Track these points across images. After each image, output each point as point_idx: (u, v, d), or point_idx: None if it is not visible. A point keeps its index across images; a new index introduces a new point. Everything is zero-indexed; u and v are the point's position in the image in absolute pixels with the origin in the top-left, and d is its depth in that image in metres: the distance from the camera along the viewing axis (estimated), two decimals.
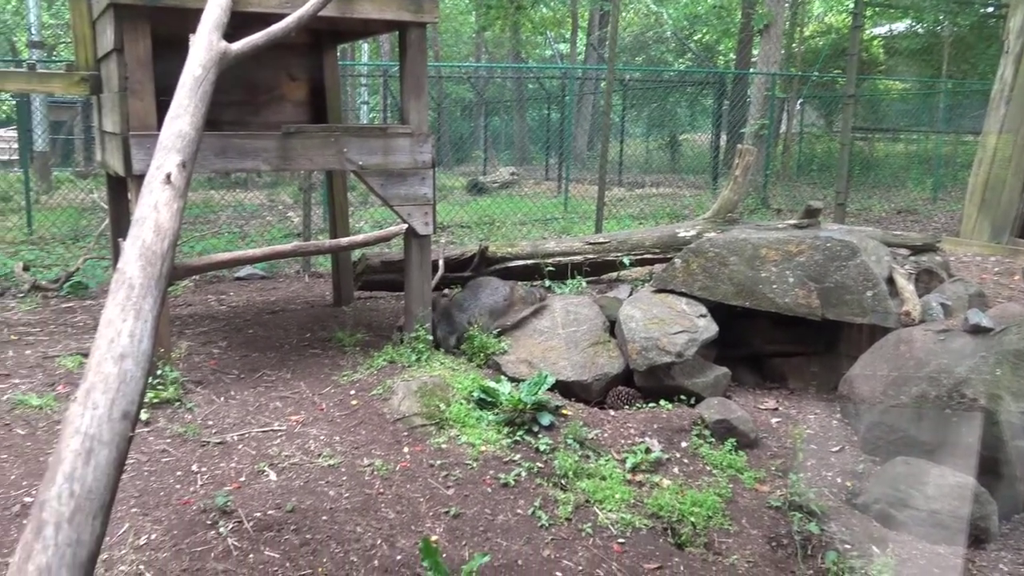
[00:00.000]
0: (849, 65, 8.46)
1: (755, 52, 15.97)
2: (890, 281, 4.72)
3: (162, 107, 3.26)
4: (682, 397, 4.46)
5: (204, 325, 5.58)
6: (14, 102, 11.46)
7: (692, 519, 3.39)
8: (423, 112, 4.73)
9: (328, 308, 6.19)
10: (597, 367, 4.66)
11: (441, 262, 5.97)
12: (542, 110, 21.30)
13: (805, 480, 3.72)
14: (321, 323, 5.63)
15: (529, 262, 6.35)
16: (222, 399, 4.16)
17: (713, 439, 4.04)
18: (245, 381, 4.44)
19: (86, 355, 3.89)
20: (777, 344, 5.00)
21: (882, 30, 22.28)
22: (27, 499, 3.15)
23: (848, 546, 3.30)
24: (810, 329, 4.82)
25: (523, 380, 4.41)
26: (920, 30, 19.98)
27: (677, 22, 24.47)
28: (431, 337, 4.84)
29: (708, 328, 4.67)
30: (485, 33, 22.55)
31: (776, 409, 4.58)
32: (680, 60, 27.47)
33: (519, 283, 5.55)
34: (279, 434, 3.79)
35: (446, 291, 5.66)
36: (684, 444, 4.01)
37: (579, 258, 6.36)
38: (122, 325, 2.13)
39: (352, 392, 4.27)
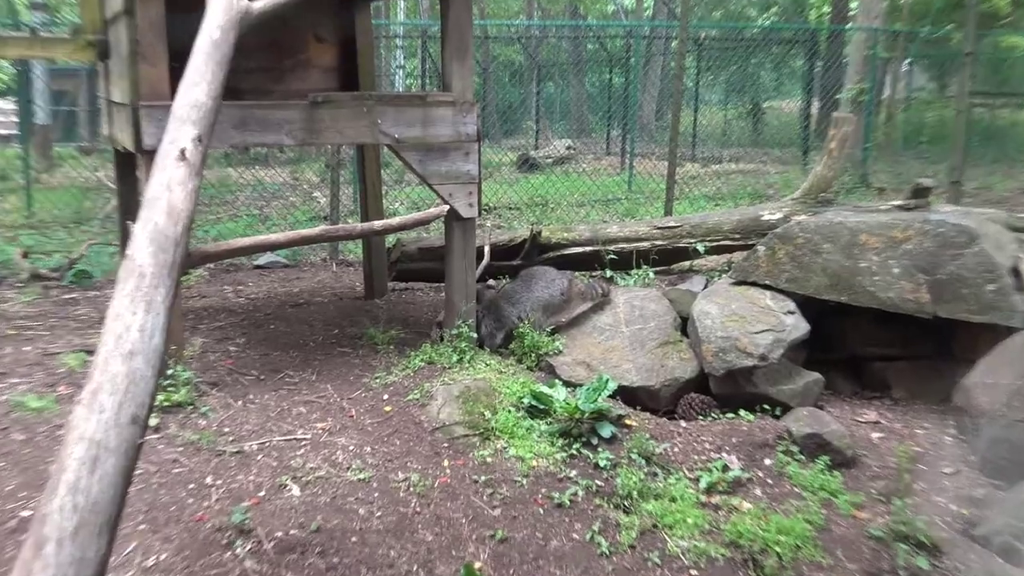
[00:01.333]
0: (967, 18, 8.26)
1: (853, 5, 15.62)
2: (1015, 272, 4.58)
3: (176, 74, 3.32)
4: (765, 407, 4.40)
5: (220, 319, 5.68)
6: (13, 70, 11.71)
7: (777, 549, 3.33)
8: (467, 78, 4.73)
9: (358, 301, 6.25)
10: (666, 371, 4.65)
11: (487, 249, 6.00)
12: (603, 74, 21.19)
13: (913, 506, 3.64)
14: (350, 318, 5.69)
15: (587, 249, 6.35)
16: (240, 403, 4.23)
17: (802, 456, 3.99)
18: (265, 383, 4.51)
19: (91, 352, 3.98)
20: (878, 346, 4.91)
21: None
22: (25, 513, 3.22)
23: None
24: (918, 328, 4.71)
25: (580, 385, 4.40)
26: None
27: None
28: (475, 335, 4.86)
29: (797, 326, 4.60)
30: None
31: (877, 422, 4.49)
32: (764, 15, 27.05)
33: (577, 274, 5.54)
34: (303, 443, 3.84)
35: (491, 282, 5.68)
36: (768, 462, 3.96)
37: (646, 245, 6.34)
38: (131, 319, 2.17)
39: (385, 397, 4.30)
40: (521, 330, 4.91)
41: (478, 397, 4.15)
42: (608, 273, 6.16)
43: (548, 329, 4.99)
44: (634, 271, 6.12)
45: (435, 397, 4.18)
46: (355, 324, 5.50)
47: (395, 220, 3.52)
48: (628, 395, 4.52)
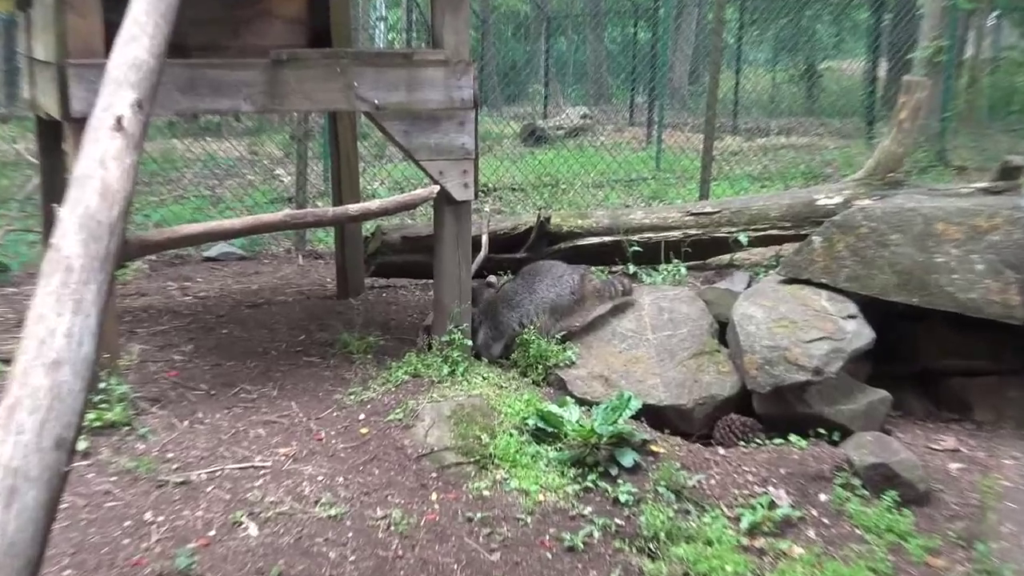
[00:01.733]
0: None
1: None
2: None
3: (111, 28, 3.31)
4: (821, 431, 4.40)
5: (163, 322, 5.69)
6: None
7: None
8: (462, 32, 4.73)
9: (329, 300, 6.26)
10: (701, 387, 4.66)
11: (485, 239, 6.01)
12: (626, 28, 21.20)
13: (999, 552, 3.64)
14: (320, 321, 5.70)
15: (607, 239, 6.37)
16: (186, 423, 4.24)
17: (865, 491, 3.99)
18: (217, 399, 4.52)
19: (7, 362, 3.99)
20: (958, 358, 4.92)
21: None
22: None
23: None
24: (1007, 337, 4.71)
25: (596, 403, 4.41)
26: None
27: None
28: (469, 342, 4.87)
29: (859, 334, 4.61)
30: None
31: (957, 451, 4.49)
32: None
33: (592, 269, 5.54)
34: (262, 472, 3.84)
35: (491, 279, 5.68)
36: (823, 497, 3.96)
37: (677, 234, 6.35)
38: (57, 321, 2.17)
39: (361, 417, 4.31)
40: (526, 337, 4.93)
41: (473, 417, 4.16)
42: (631, 268, 6.16)
43: (558, 336, 5.00)
44: (662, 266, 6.13)
45: (422, 417, 4.19)
46: (325, 328, 5.51)
47: (374, 203, 3.52)
48: (655, 416, 4.53)
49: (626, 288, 5.24)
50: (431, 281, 5.42)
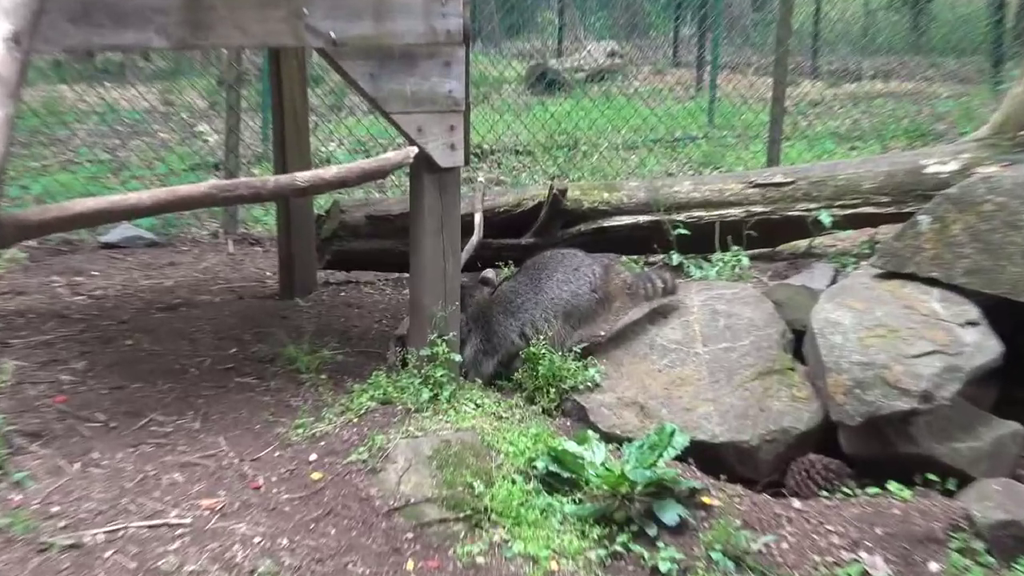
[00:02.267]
0: None
1: None
2: None
3: None
4: (930, 477, 4.39)
5: (46, 330, 5.69)
6: None
7: None
8: None
9: (270, 301, 6.28)
10: (769, 418, 4.65)
11: (479, 218, 6.02)
12: None
13: None
14: (257, 329, 5.70)
15: (642, 219, 6.41)
16: (77, 466, 4.22)
17: (991, 557, 3.97)
18: (119, 434, 4.51)
19: None
20: None
21: None
22: None
23: None
24: None
25: (629, 439, 4.42)
26: None
27: None
28: (458, 357, 4.87)
29: (982, 347, 4.59)
30: None
31: None
32: None
33: (622, 259, 5.53)
34: (179, 532, 3.82)
35: (488, 272, 5.65)
36: (934, 567, 3.94)
37: (737, 213, 6.39)
38: None
39: (312, 457, 4.31)
40: (533, 351, 4.93)
41: (463, 459, 4.16)
42: (675, 258, 6.15)
43: (576, 349, 5.01)
44: (717, 255, 6.14)
45: (393, 458, 4.19)
46: (264, 339, 5.51)
47: (330, 171, 3.53)
48: (707, 456, 4.52)
49: (668, 285, 5.23)
50: (406, 276, 5.40)
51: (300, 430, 4.49)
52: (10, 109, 2.66)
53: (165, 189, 3.31)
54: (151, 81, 14.02)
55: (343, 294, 6.50)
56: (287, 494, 4.08)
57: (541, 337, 4.97)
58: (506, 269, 6.00)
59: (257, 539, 3.81)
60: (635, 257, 6.23)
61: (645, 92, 13.62)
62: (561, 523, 3.99)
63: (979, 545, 4.00)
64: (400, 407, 4.59)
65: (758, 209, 6.37)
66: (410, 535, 3.88)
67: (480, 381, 5.03)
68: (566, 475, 4.15)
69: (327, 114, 11.74)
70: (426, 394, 4.64)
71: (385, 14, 4.63)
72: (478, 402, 4.69)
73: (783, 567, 3.90)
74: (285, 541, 3.81)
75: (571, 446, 4.24)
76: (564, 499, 4.10)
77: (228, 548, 3.75)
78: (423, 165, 4.75)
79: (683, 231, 6.22)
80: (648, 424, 4.56)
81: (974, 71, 15.49)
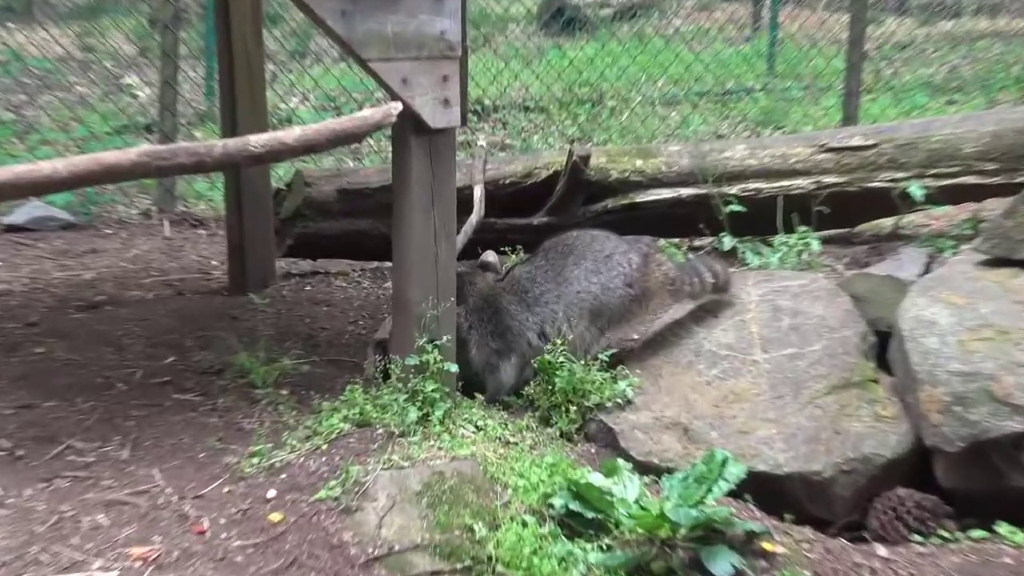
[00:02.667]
0: None
1: None
2: None
3: None
4: None
5: None
6: None
7: None
8: None
9: (218, 298, 6.30)
10: (846, 442, 4.62)
11: (479, 192, 6.02)
12: None
13: None
14: (200, 333, 5.71)
15: (685, 193, 6.42)
16: None
17: None
18: (28, 464, 4.49)
19: None
20: None
21: None
22: None
23: None
24: None
25: (670, 470, 4.41)
26: None
27: None
28: (453, 367, 4.82)
29: None
30: None
31: None
32: None
33: (663, 244, 5.49)
34: None
35: (488, 255, 5.62)
36: None
37: (804, 184, 6.41)
38: None
39: (271, 494, 4.28)
40: (548, 359, 4.89)
41: (460, 495, 4.13)
42: (726, 242, 6.14)
43: (604, 356, 4.98)
44: (780, 239, 6.12)
45: (373, 495, 4.15)
46: (209, 345, 5.52)
47: (292, 133, 3.50)
48: (769, 491, 4.50)
49: (719, 279, 5.22)
50: (387, 265, 5.38)
51: (255, 460, 4.46)
52: None
53: (85, 157, 3.28)
54: (66, 21, 14.00)
55: (309, 288, 6.50)
56: (239, 540, 4.05)
57: (564, 338, 4.94)
58: (513, 256, 5.97)
59: None
60: (676, 240, 6.19)
61: (688, 33, 13.62)
62: (585, 575, 3.95)
63: None
64: (381, 430, 4.56)
65: (831, 180, 6.34)
66: None
67: (490, 398, 5.02)
68: (591, 515, 4.10)
69: (288, 62, 11.74)
70: (414, 414, 4.60)
71: None
72: (479, 423, 4.65)
73: None
74: None
75: (597, 479, 4.21)
76: (588, 546, 4.05)
77: None
78: (409, 126, 4.71)
79: (737, 208, 6.20)
80: (694, 451, 4.54)
81: None
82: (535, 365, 4.93)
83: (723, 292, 5.19)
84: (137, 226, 7.71)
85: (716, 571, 3.93)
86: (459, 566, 3.94)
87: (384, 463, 4.31)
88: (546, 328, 5.04)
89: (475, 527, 4.02)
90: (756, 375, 4.85)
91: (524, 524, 4.07)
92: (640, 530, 4.00)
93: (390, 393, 4.73)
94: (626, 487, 4.19)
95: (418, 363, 4.74)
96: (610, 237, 5.28)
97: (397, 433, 4.53)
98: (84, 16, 14.34)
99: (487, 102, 10.56)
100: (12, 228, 7.51)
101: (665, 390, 4.87)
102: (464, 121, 4.87)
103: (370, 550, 3.97)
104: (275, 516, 4.15)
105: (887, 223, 6.57)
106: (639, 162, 6.40)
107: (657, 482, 4.34)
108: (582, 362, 4.90)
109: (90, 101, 10.31)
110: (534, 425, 4.79)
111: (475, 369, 4.99)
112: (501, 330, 5.11)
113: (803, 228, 6.11)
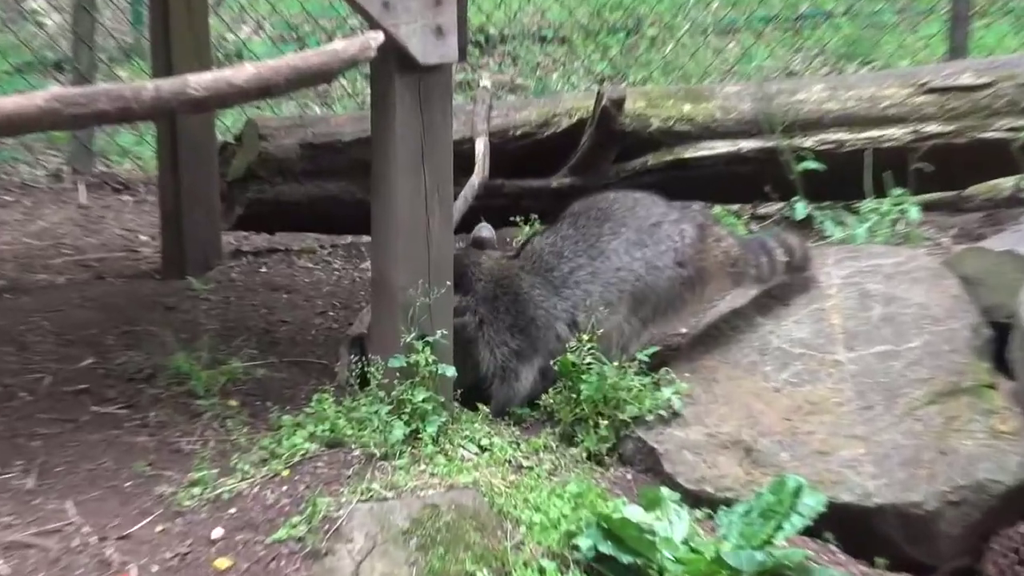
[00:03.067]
0: None
1: None
2: None
3: None
4: None
5: None
6: None
7: None
8: None
9: (148, 282, 6.29)
10: (954, 465, 4.57)
11: (482, 147, 5.99)
12: None
13: None
14: (126, 327, 5.69)
15: (745, 146, 6.42)
16: None
17: None
18: None
19: None
20: None
21: None
22: None
23: None
24: None
25: (727, 500, 4.38)
26: None
27: None
28: (451, 370, 4.77)
29: None
30: None
31: None
32: None
33: (718, 212, 5.43)
34: None
35: (482, 228, 5.58)
36: None
37: (899, 135, 6.38)
38: None
39: (218, 533, 4.23)
40: (572, 359, 4.82)
41: (460, 534, 4.08)
42: (799, 209, 6.13)
43: (642, 355, 4.92)
44: (870, 204, 6.07)
45: (348, 534, 4.10)
46: (137, 343, 5.50)
47: (242, 72, 3.45)
48: (855, 527, 4.45)
49: (795, 255, 5.16)
50: (365, 240, 5.34)
51: (196, 490, 4.42)
52: None
53: None
54: None
55: (264, 270, 6.47)
56: None
57: (586, 337, 4.82)
58: (526, 227, 5.92)
59: None
60: (734, 208, 6.13)
61: None
62: None
63: None
64: (358, 452, 4.53)
65: (934, 129, 6.30)
66: None
67: (498, 409, 4.99)
68: (627, 560, 4.03)
69: None
70: (399, 430, 4.55)
71: None
72: (484, 443, 4.61)
73: None
74: None
75: (634, 513, 4.13)
76: None
77: None
78: (392, 62, 4.67)
79: (812, 165, 6.16)
80: (758, 476, 4.49)
81: None
82: (556, 367, 4.85)
83: (801, 273, 5.13)
84: (45, 192, 7.70)
85: None
86: None
87: (362, 494, 4.26)
88: (578, 316, 4.95)
89: (478, 575, 3.98)
90: (838, 379, 4.79)
91: (541, 572, 4.03)
92: None
93: (369, 404, 4.69)
94: (672, 523, 4.13)
95: (405, 365, 4.69)
96: (657, 201, 5.20)
97: (378, 455, 4.49)
98: None
99: (492, 31, 10.54)
100: None
101: (722, 399, 4.81)
102: (463, 56, 4.82)
103: None
104: (222, 562, 4.11)
105: (1006, 184, 6.54)
106: (687, 107, 6.36)
107: (711, 517, 4.31)
108: (615, 363, 4.81)
109: None
110: (554, 444, 4.73)
111: (483, 374, 4.91)
112: (523, 323, 5.03)
113: (898, 191, 6.05)
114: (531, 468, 4.51)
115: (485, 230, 5.47)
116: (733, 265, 5.07)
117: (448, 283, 4.83)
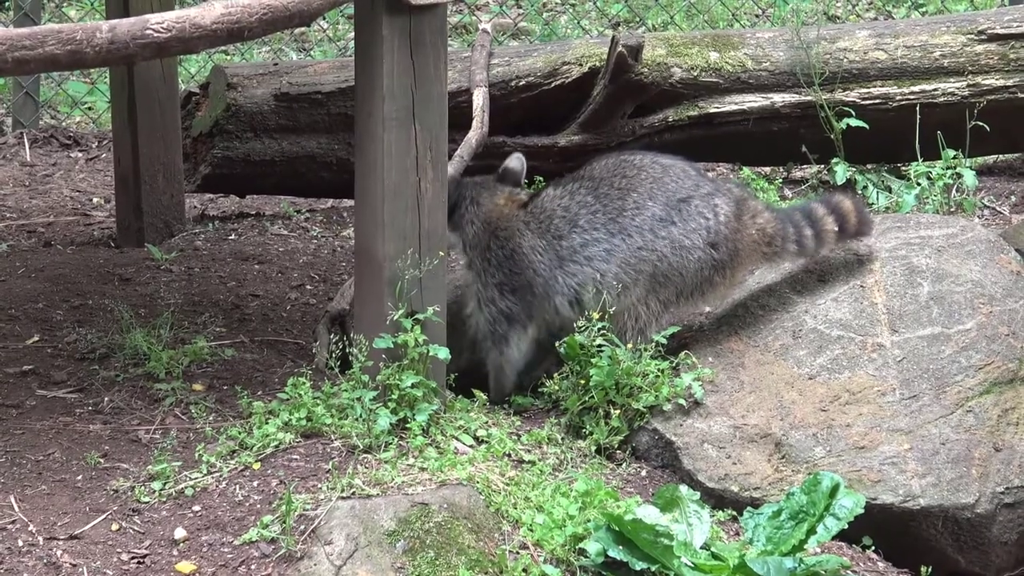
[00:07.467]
0: None
1: None
2: None
3: None
4: None
5: None
6: None
7: None
8: None
9: (101, 250, 6.30)
10: (1010, 463, 4.57)
11: (480, 100, 5.97)
12: None
13: None
14: (77, 300, 5.68)
15: (780, 100, 6.39)
16: None
17: None
18: None
19: None
20: None
21: None
22: None
23: None
24: None
25: (753, 500, 4.38)
26: None
27: None
28: (444, 351, 4.77)
29: None
30: None
31: None
32: None
33: (747, 176, 5.43)
34: None
35: (511, 161, 5.57)
36: None
37: (955, 88, 6.35)
38: None
39: (180, 534, 4.22)
40: (578, 339, 4.80)
41: (452, 536, 4.07)
42: (839, 172, 6.11)
43: (660, 337, 4.91)
44: (918, 167, 6.05)
45: (326, 536, 4.10)
46: (89, 319, 5.49)
47: (209, 11, 3.44)
48: (898, 531, 4.44)
49: (850, 221, 5.13)
50: (347, 204, 5.36)
51: (156, 484, 4.42)
52: None
53: None
54: None
55: (233, 237, 6.45)
56: None
57: (596, 315, 4.80)
58: (535, 185, 5.91)
59: None
60: (766, 171, 6.14)
61: None
62: None
63: None
64: (338, 443, 4.53)
65: (994, 82, 6.29)
66: None
67: (497, 395, 4.99)
68: (640, 566, 4.02)
69: None
70: (385, 420, 4.54)
71: None
72: (480, 434, 4.60)
73: None
74: None
75: (649, 514, 4.13)
76: None
77: None
78: (380, 1, 4.67)
79: (856, 122, 6.13)
80: (790, 474, 4.48)
81: None
82: (561, 350, 4.83)
83: (860, 239, 5.11)
84: None
85: None
86: None
87: (342, 490, 4.25)
88: (583, 295, 4.92)
89: None
90: (881, 365, 4.77)
91: None
92: None
93: (351, 389, 4.68)
94: (691, 526, 4.13)
95: (392, 346, 4.68)
96: (688, 171, 5.19)
97: (361, 447, 4.49)
98: None
99: None
100: None
101: (749, 387, 4.79)
102: None
103: None
104: (185, 566, 4.10)
105: None
106: (714, 55, 6.33)
107: (736, 519, 4.32)
108: (629, 345, 4.80)
109: None
110: (559, 436, 4.72)
111: (472, 336, 4.91)
112: (516, 284, 5.00)
113: (952, 153, 6.04)
114: (533, 463, 4.50)
115: (515, 160, 5.41)
116: (769, 244, 5.05)
117: (441, 254, 4.82)
